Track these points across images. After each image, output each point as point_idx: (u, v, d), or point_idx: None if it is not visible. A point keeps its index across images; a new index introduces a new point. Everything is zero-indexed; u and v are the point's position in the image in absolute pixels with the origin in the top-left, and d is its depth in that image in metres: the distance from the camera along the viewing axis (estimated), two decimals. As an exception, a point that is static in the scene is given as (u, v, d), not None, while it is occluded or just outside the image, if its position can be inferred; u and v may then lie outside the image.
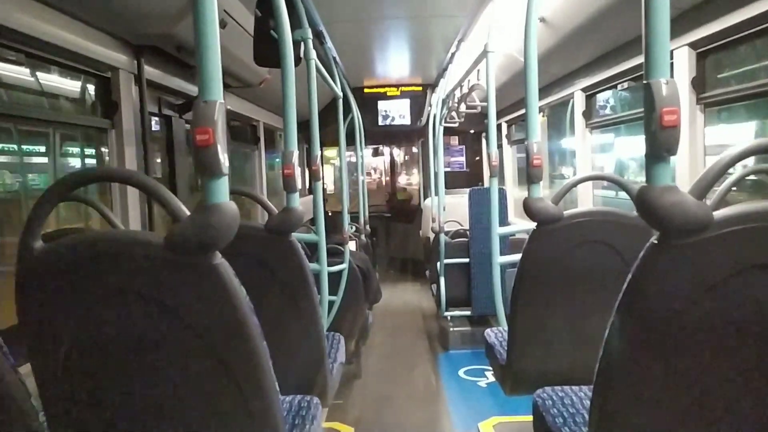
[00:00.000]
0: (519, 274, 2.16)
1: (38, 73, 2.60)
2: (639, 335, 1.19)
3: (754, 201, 1.22)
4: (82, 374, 1.29)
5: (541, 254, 2.11)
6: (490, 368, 2.92)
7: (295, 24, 2.82)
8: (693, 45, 2.67)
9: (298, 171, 2.37)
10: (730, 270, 1.13)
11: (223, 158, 1.19)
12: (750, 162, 2.18)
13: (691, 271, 1.13)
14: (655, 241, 1.14)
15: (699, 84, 2.70)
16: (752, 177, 2.57)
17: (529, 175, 2.23)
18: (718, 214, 1.11)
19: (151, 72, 3.07)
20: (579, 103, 4.19)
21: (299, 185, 2.37)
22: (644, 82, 1.13)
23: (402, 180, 9.64)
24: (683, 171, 2.76)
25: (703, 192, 1.13)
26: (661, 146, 1.11)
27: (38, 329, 1.28)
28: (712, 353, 1.18)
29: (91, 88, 2.89)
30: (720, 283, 1.13)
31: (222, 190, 1.21)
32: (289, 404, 1.89)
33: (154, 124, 3.58)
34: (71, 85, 2.84)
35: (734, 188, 2.03)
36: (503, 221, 4.24)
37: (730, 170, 1.27)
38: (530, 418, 1.95)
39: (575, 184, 2.32)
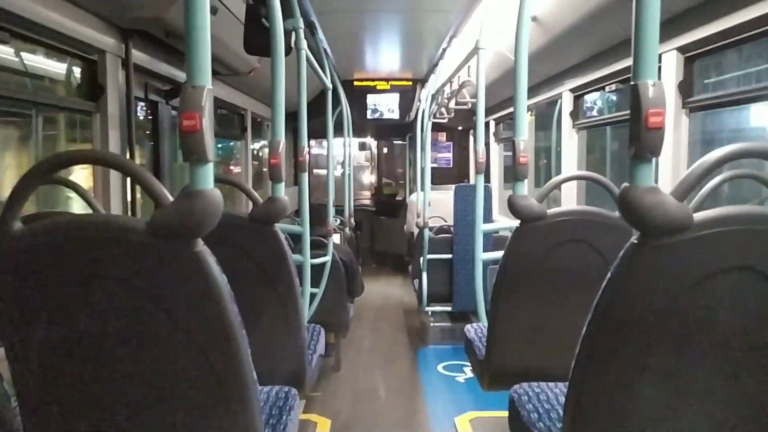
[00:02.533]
0: (501, 271, 2.18)
1: (23, 54, 2.56)
2: (615, 333, 1.20)
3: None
4: (57, 359, 1.28)
5: (523, 252, 2.12)
6: (469, 364, 2.94)
7: (287, 13, 2.80)
8: (681, 49, 2.69)
9: (284, 161, 2.36)
10: (709, 271, 1.15)
11: (210, 145, 1.18)
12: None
13: (669, 271, 1.15)
14: (636, 241, 1.15)
15: (686, 88, 2.73)
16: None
17: (515, 172, 2.24)
18: (697, 216, 1.13)
19: (138, 56, 3.03)
20: (567, 103, 4.22)
21: (284, 176, 2.36)
22: (631, 83, 1.13)
23: (388, 174, 9.65)
24: (666, 174, 2.79)
25: (684, 194, 1.14)
26: (645, 147, 1.12)
27: (13, 312, 1.26)
28: (687, 353, 1.20)
29: (77, 71, 2.85)
30: (698, 284, 1.15)
31: (207, 176, 1.20)
32: (266, 395, 1.88)
33: (140, 110, 3.54)
34: (56, 67, 2.80)
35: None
36: (488, 218, 4.26)
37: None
38: (506, 413, 1.97)
39: (559, 184, 2.34)
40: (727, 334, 1.19)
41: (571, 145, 4.21)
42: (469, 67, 4.15)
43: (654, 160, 1.15)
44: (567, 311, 1.91)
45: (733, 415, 1.23)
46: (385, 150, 9.63)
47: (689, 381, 1.22)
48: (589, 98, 4.18)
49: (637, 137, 1.11)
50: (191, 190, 1.18)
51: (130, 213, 2.96)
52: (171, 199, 1.20)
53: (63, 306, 1.24)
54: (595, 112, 4.19)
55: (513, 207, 2.09)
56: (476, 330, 2.71)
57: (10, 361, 1.30)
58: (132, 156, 2.91)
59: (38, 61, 2.70)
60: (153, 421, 1.32)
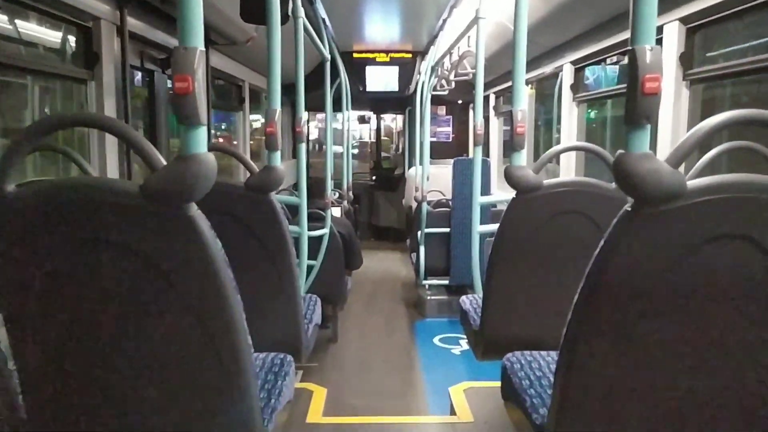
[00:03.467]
0: (496, 241, 2.18)
1: (17, 21, 2.52)
2: (606, 301, 1.21)
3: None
4: (52, 322, 1.29)
5: (519, 222, 2.12)
6: (465, 336, 2.96)
7: None
8: (683, 20, 2.66)
9: (280, 130, 2.35)
10: (702, 239, 1.14)
11: (203, 108, 1.17)
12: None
13: (662, 238, 1.15)
14: (629, 209, 1.15)
15: (686, 60, 2.70)
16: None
17: (511, 143, 2.23)
18: (691, 183, 1.13)
19: (133, 24, 3.00)
20: (567, 75, 4.18)
21: (280, 144, 2.35)
22: (629, 48, 1.12)
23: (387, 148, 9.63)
24: (665, 147, 2.78)
25: (679, 161, 1.13)
26: (641, 113, 1.11)
27: (8, 275, 1.26)
28: (678, 321, 1.21)
29: (72, 39, 2.81)
30: (690, 252, 1.15)
31: (200, 140, 1.19)
32: (262, 361, 1.90)
33: (137, 81, 3.51)
34: (51, 35, 2.77)
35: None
36: (486, 192, 4.25)
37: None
38: (500, 383, 1.99)
39: (556, 155, 2.33)
40: (719, 302, 1.19)
41: (571, 118, 4.19)
42: (468, 38, 4.09)
43: (650, 127, 1.14)
44: (561, 281, 1.92)
45: (723, 382, 1.25)
46: (390, 124, 9.55)
47: (679, 349, 1.23)
48: (590, 71, 4.14)
49: (633, 103, 1.10)
50: (184, 153, 1.18)
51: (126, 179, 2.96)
52: (164, 163, 1.19)
53: (58, 268, 1.24)
54: (594, 84, 4.15)
55: (509, 177, 2.09)
56: (471, 301, 2.73)
57: (7, 324, 1.31)
58: (128, 124, 2.89)
59: (33, 29, 2.67)
60: (148, 382, 1.33)
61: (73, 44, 2.82)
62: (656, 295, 1.19)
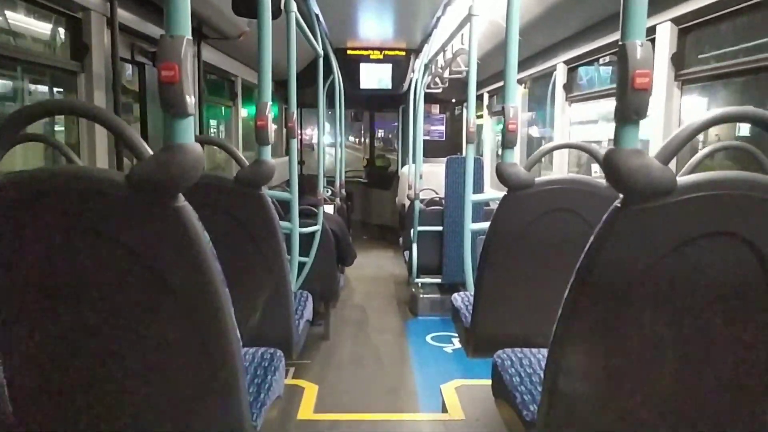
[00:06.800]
0: (488, 238, 2.18)
1: (6, 12, 2.50)
2: (595, 297, 1.21)
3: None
4: (36, 313, 1.27)
5: (510, 219, 2.12)
6: (456, 334, 2.96)
7: None
8: (676, 21, 2.66)
9: (271, 124, 2.33)
10: (690, 236, 1.14)
11: (189, 97, 1.16)
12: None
13: (651, 234, 1.15)
14: (618, 204, 1.15)
15: (678, 60, 2.70)
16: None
17: (503, 139, 2.22)
18: (681, 180, 1.12)
19: (124, 16, 2.97)
20: (561, 75, 4.19)
21: (272, 139, 2.33)
22: (619, 43, 1.12)
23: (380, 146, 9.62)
24: (657, 148, 2.79)
25: (668, 157, 1.13)
26: (630, 109, 1.11)
27: None
28: (665, 317, 1.21)
29: (62, 31, 2.79)
30: (679, 249, 1.15)
31: (187, 130, 1.18)
32: (252, 356, 1.89)
33: (129, 75, 3.48)
34: (41, 26, 2.74)
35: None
36: (478, 190, 4.25)
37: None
38: (491, 380, 1.99)
39: (547, 152, 2.33)
40: (706, 299, 1.19)
41: (564, 117, 4.20)
42: (462, 36, 4.09)
43: (639, 123, 1.14)
44: (552, 279, 1.92)
45: (708, 377, 1.25)
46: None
47: (666, 344, 1.23)
48: (584, 72, 4.15)
49: (624, 98, 1.10)
50: (171, 143, 1.16)
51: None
52: (151, 152, 1.18)
53: (42, 258, 1.22)
54: (587, 84, 4.16)
55: (501, 174, 2.08)
56: (463, 298, 2.73)
57: None
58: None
59: (21, 20, 2.64)
60: (134, 374, 1.32)
61: (63, 36, 2.80)
62: (644, 291, 1.19)
